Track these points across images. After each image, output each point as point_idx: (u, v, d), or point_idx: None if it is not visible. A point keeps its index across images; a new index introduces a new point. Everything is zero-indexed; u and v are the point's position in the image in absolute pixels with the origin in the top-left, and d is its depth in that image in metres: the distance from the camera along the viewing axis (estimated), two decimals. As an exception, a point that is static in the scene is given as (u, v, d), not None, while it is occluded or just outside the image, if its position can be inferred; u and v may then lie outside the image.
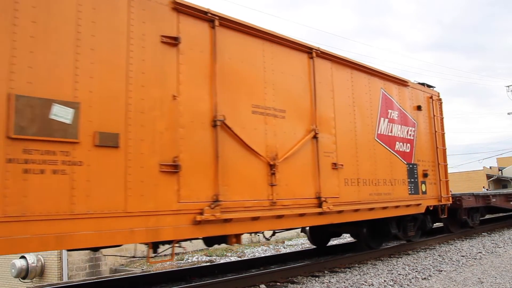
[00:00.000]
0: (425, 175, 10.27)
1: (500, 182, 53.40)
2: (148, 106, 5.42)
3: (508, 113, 54.70)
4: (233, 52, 6.49)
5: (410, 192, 9.71)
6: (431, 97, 11.12)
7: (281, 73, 7.16)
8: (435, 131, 10.97)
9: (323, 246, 10.97)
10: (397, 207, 9.19)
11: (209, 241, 6.80)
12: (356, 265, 8.69)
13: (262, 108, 6.75)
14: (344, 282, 7.04)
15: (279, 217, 6.70)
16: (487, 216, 17.98)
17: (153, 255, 5.88)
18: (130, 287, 7.48)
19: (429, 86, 11.33)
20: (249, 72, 6.67)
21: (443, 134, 11.35)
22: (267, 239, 8.20)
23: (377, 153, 8.92)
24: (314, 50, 7.73)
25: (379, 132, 9.09)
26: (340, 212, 7.76)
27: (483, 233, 13.85)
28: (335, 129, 7.96)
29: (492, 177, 55.30)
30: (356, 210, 8.15)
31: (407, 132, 9.98)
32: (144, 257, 7.91)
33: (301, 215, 7.04)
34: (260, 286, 6.98)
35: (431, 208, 10.50)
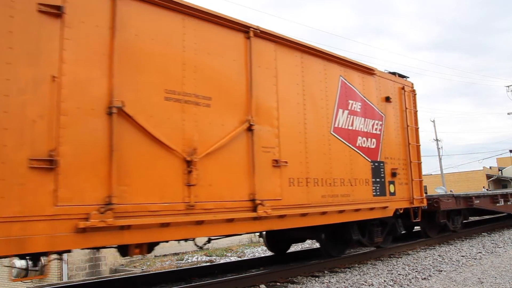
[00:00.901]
0: (393, 175, 9.21)
1: (500, 182, 52.23)
2: (15, 88, 4.41)
3: (508, 113, 53.41)
4: (141, 28, 5.46)
5: (375, 193, 8.65)
6: (403, 88, 10.05)
7: (207, 54, 6.12)
8: (407, 126, 9.91)
9: (283, 253, 9.92)
10: (357, 210, 8.14)
11: (122, 250, 5.77)
12: (356, 265, 8.58)
13: (179, 94, 5.71)
14: (344, 282, 6.96)
15: (199, 223, 5.67)
16: (476, 218, 16.91)
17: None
18: (130, 287, 7.31)
19: (401, 76, 10.26)
20: (163, 51, 5.64)
21: (416, 129, 10.28)
22: (200, 248, 7.16)
23: (333, 149, 7.87)
24: (252, 29, 6.69)
25: (336, 125, 8.04)
26: (282, 216, 6.72)
27: (483, 233, 13.57)
28: (277, 121, 6.91)
29: (492, 177, 54.11)
30: (304, 215, 7.11)
31: (373, 126, 8.92)
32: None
33: (229, 220, 6.00)
34: (260, 286, 6.89)
35: (401, 212, 9.44)
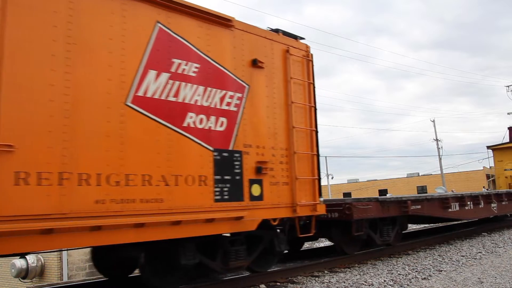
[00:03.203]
0: (259, 171, 6.43)
1: (499, 182, 49.05)
2: None
3: (508, 113, 50.23)
4: None
5: (218, 197, 5.88)
6: (287, 51, 7.25)
7: None
8: (292, 102, 7.11)
9: (121, 275, 7.18)
10: (177, 223, 5.38)
11: None
12: (356, 265, 8.44)
13: None
14: (344, 282, 6.91)
15: None
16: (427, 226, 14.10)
17: None
18: (129, 287, 6.85)
19: (288, 34, 7.44)
20: None
21: (311, 108, 7.46)
22: None
23: (130, 129, 5.12)
24: None
25: (140, 94, 5.27)
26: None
27: (483, 233, 13.20)
28: (-8, 78, 4.19)
29: (492, 177, 51.25)
30: (48, 231, 4.39)
31: (222, 99, 6.16)
32: None
33: None
34: (260, 286, 6.78)
35: (275, 223, 6.66)
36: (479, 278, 7.03)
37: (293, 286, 6.77)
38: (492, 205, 12.97)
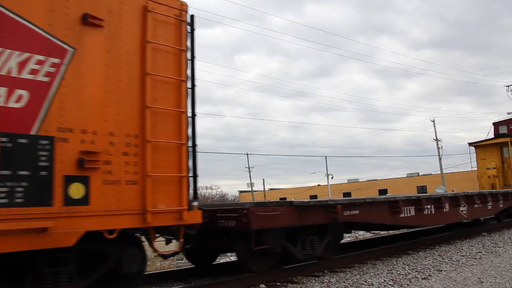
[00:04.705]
0: (81, 164, 4.68)
1: (498, 182, 47.13)
2: None
3: (508, 113, 48.39)
4: None
5: (3, 200, 4.16)
6: (146, 8, 5.45)
7: None
8: (147, 74, 5.33)
9: None
10: None
11: None
12: (356, 265, 8.35)
13: None
14: (344, 282, 6.85)
15: None
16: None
17: None
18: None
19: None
20: None
21: (181, 84, 5.69)
22: None
23: None
24: None
25: None
26: None
27: (482, 233, 12.97)
28: None
29: (492, 177, 49.09)
30: None
31: (22, 65, 4.42)
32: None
33: None
34: (260, 286, 6.66)
35: (112, 236, 4.91)
36: (479, 278, 6.99)
37: (293, 286, 6.74)
38: (461, 208, 11.12)
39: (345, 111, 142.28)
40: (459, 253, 9.55)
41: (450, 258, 8.92)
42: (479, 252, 9.75)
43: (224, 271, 7.94)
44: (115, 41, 5.14)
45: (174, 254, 6.62)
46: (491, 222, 14.95)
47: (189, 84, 5.91)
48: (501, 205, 13.05)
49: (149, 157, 5.20)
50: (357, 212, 7.98)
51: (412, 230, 13.30)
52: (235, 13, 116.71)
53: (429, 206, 9.88)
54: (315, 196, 64.22)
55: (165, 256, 6.37)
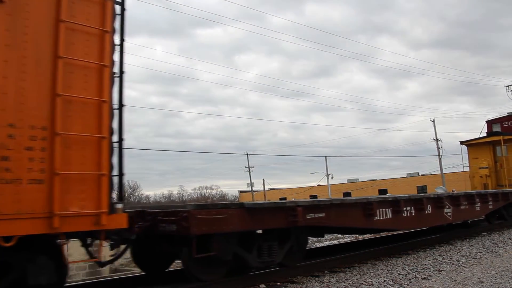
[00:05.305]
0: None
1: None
2: None
3: (508, 113, 47.69)
4: None
5: None
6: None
7: None
8: (59, 57, 4.61)
9: None
10: None
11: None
12: (356, 265, 8.25)
13: None
14: (344, 282, 6.81)
15: None
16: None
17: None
18: (129, 287, 6.56)
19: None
20: None
21: (103, 69, 4.96)
22: None
23: None
24: None
25: None
26: None
27: (482, 233, 12.82)
28: None
29: (492, 177, 48.48)
30: None
31: None
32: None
33: None
34: (260, 286, 6.58)
35: (9, 244, 4.20)
36: (479, 278, 6.99)
37: (293, 286, 6.70)
38: (446, 210, 10.38)
39: (345, 111, 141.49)
40: (459, 253, 9.47)
41: (450, 258, 8.85)
42: (479, 252, 9.67)
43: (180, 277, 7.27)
44: (19, 19, 4.44)
45: (110, 261, 5.97)
46: (483, 224, 14.24)
47: (119, 72, 5.22)
48: (490, 206, 12.29)
49: (58, 152, 4.49)
50: (323, 215, 7.25)
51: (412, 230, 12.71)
52: (235, 13, 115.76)
53: (408, 208, 9.13)
54: (315, 196, 63.65)
55: (101, 264, 5.73)
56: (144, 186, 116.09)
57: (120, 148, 5.07)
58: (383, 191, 59.39)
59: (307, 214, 6.96)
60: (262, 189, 71.05)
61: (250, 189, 69.87)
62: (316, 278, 7.15)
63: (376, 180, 72.71)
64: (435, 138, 54.07)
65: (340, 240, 13.48)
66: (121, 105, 5.15)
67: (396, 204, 8.81)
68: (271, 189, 75.12)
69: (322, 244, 12.07)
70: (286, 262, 7.20)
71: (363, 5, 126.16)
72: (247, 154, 66.24)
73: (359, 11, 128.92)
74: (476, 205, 11.63)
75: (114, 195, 5.10)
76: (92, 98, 4.84)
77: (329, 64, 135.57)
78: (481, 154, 16.14)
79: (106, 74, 4.98)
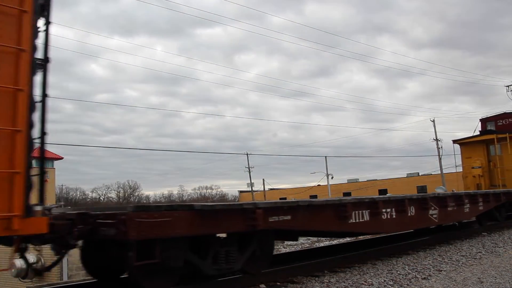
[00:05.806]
0: None
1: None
2: None
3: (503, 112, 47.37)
4: None
5: None
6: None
7: None
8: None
9: None
10: None
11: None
12: (356, 265, 8.23)
13: None
14: (344, 282, 6.83)
15: None
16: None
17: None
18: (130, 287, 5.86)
19: None
20: None
21: (19, 54, 4.36)
22: None
23: None
24: None
25: None
26: None
27: (483, 233, 12.80)
28: None
29: (492, 177, 47.91)
30: None
31: None
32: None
33: None
34: (260, 286, 6.59)
35: None
36: (479, 278, 7.01)
37: (293, 286, 6.73)
38: (431, 212, 9.77)
39: (345, 111, 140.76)
40: (459, 253, 9.48)
41: (450, 258, 8.87)
42: (479, 252, 9.67)
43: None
44: None
45: (48, 268, 5.42)
46: (475, 226, 13.63)
47: (43, 59, 4.64)
48: (481, 208, 11.66)
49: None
50: (288, 217, 6.64)
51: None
52: (235, 12, 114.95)
53: (388, 210, 8.52)
54: (315, 196, 63.16)
55: (38, 272, 5.18)
56: (144, 186, 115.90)
57: (42, 144, 4.49)
58: (383, 191, 58.92)
59: (269, 217, 6.35)
60: (262, 189, 70.61)
61: (250, 189, 69.41)
62: (316, 278, 7.15)
63: (376, 180, 72.31)
64: (435, 138, 53.70)
65: (340, 240, 13.48)
66: (44, 96, 4.57)
67: (374, 205, 8.19)
68: (271, 189, 74.68)
69: (322, 244, 11.97)
70: (248, 269, 6.60)
71: (363, 4, 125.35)
72: (247, 154, 65.85)
73: (359, 10, 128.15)
74: (465, 207, 11.01)
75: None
76: (4, 86, 4.26)
77: (329, 64, 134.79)
78: (474, 153, 15.50)
79: (24, 59, 4.38)
